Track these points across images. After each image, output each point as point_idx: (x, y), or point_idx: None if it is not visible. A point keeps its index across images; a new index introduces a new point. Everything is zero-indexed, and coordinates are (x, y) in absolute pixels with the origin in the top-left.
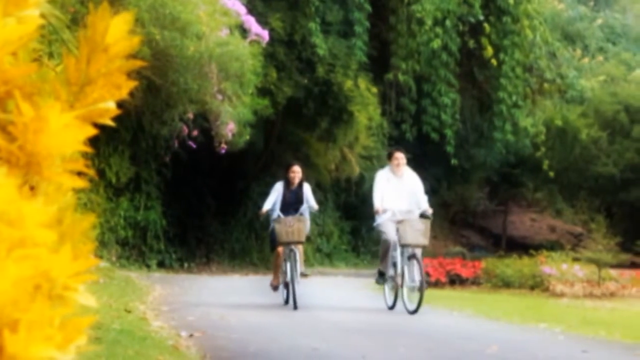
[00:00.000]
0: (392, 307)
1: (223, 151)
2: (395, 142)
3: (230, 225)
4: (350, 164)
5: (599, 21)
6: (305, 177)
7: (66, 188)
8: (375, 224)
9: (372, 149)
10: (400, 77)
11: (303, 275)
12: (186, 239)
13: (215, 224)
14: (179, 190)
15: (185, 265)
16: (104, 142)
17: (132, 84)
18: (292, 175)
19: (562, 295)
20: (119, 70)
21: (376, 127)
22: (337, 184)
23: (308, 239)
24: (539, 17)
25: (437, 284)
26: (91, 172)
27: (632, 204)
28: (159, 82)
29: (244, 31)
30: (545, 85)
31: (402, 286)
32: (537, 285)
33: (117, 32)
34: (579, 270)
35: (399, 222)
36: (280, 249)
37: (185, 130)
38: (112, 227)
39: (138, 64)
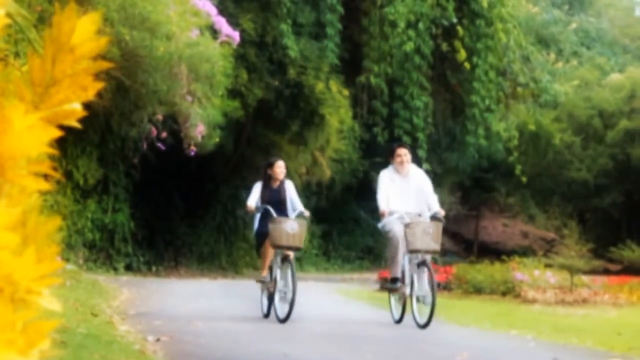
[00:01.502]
0: (399, 321)
1: (192, 153)
2: (367, 145)
3: (199, 228)
4: (322, 167)
5: (574, 25)
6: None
7: (31, 190)
8: (380, 225)
9: (344, 152)
10: (373, 80)
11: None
12: (154, 242)
13: (183, 227)
14: (148, 192)
15: (153, 268)
16: (71, 143)
17: (99, 85)
18: (277, 170)
19: (533, 301)
20: (86, 72)
21: (348, 130)
22: (308, 188)
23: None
24: (513, 20)
25: None
26: (57, 174)
27: (605, 210)
28: (127, 83)
29: (214, 32)
30: (519, 89)
31: (411, 297)
32: (509, 291)
33: (83, 32)
34: (551, 276)
35: (407, 225)
36: (268, 242)
37: (154, 131)
38: (79, 229)
39: (105, 65)
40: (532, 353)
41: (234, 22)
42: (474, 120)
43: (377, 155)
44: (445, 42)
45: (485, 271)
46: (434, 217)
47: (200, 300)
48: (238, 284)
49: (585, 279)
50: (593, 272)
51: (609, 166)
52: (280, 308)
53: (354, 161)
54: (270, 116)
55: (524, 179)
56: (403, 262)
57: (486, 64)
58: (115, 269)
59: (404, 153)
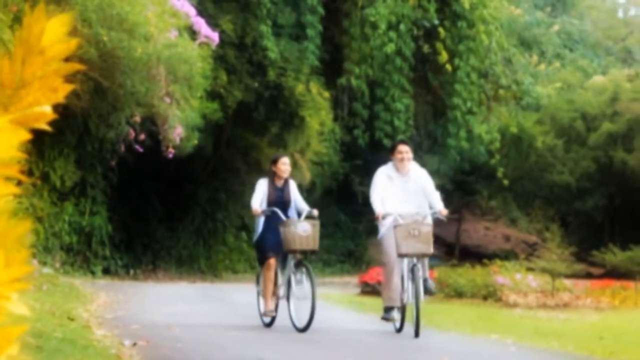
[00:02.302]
0: (399, 330)
1: (170, 155)
2: (347, 147)
3: (178, 231)
4: (301, 170)
5: (556, 27)
6: (255, 184)
7: (1, 194)
8: (379, 237)
9: (324, 155)
10: (353, 82)
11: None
12: (132, 245)
13: (162, 230)
14: (125, 195)
15: (131, 272)
16: (48, 145)
17: (69, 87)
18: (282, 167)
19: (515, 305)
20: (56, 73)
21: (328, 133)
22: None
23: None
24: (495, 22)
25: None
26: (26, 178)
27: (588, 213)
28: (105, 84)
29: (193, 33)
30: (501, 91)
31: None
32: (490, 295)
33: (54, 33)
34: (533, 280)
35: (395, 227)
36: (272, 260)
37: (132, 133)
38: (56, 232)
39: (77, 66)
40: (512, 357)
41: (213, 23)
42: (455, 122)
43: (358, 157)
44: (427, 44)
45: (466, 275)
46: (434, 218)
47: (178, 304)
48: (217, 288)
49: (567, 282)
50: (575, 275)
51: (592, 169)
52: (297, 316)
53: (334, 164)
54: (249, 118)
55: (506, 182)
56: (402, 271)
57: (468, 66)
58: (93, 273)
59: (405, 150)
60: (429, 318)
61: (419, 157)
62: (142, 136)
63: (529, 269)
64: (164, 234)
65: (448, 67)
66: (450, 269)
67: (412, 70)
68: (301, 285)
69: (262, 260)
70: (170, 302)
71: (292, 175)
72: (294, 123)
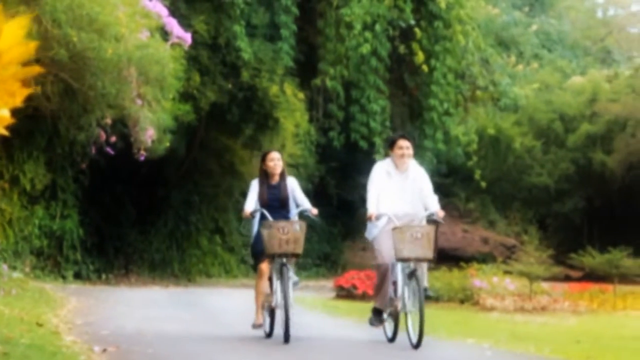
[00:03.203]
0: (392, 339)
1: (142, 158)
2: (323, 149)
3: (150, 234)
4: None
5: (534, 27)
6: (229, 186)
7: None
8: (370, 238)
9: (299, 156)
10: (328, 83)
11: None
12: (104, 249)
13: (134, 234)
14: (97, 198)
15: (103, 276)
16: (17, 147)
17: (27, 91)
18: (270, 164)
19: (492, 309)
20: (13, 78)
21: (303, 134)
22: None
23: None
24: (472, 22)
25: (364, 297)
26: None
27: (566, 215)
28: (75, 86)
29: (165, 34)
30: (478, 92)
31: (405, 313)
32: (467, 298)
33: (11, 37)
34: (510, 283)
35: (395, 229)
36: (264, 265)
37: (103, 136)
38: (26, 236)
39: (35, 69)
40: None
41: (185, 24)
42: (432, 124)
43: (334, 159)
44: (403, 45)
45: (443, 278)
46: (430, 220)
47: (150, 309)
48: (190, 293)
49: (545, 285)
50: (553, 278)
51: (570, 171)
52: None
53: (309, 166)
54: (223, 120)
55: (484, 184)
56: (395, 276)
57: (444, 66)
58: (64, 277)
59: (406, 146)
60: (404, 321)
61: None
62: (113, 138)
63: (507, 272)
64: (137, 238)
65: (424, 67)
66: (427, 272)
67: (387, 71)
68: (283, 294)
69: (259, 257)
70: (143, 307)
71: None
72: (268, 125)
